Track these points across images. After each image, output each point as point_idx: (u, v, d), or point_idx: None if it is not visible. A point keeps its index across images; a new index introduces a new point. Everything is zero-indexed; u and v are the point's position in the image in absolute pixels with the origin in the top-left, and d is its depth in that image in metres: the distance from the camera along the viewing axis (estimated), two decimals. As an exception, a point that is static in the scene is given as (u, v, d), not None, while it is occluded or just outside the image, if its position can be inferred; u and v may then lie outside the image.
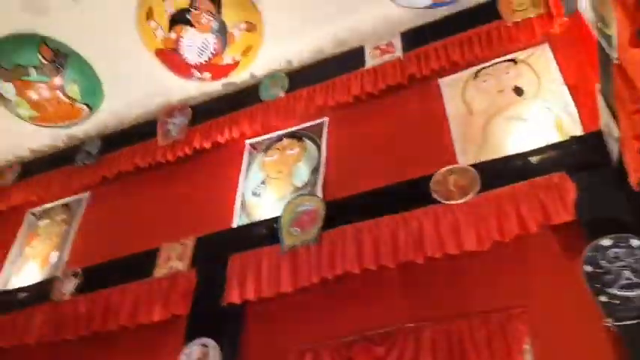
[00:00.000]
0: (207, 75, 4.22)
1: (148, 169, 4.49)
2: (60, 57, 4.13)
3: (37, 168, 5.01)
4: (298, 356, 2.98)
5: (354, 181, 3.48)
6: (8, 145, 5.04)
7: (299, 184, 3.85)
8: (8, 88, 4.25)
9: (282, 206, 3.50)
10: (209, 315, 3.27)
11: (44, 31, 4.13)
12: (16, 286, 4.29)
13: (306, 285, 3.08)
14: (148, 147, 4.51)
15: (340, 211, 3.26)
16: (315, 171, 3.82)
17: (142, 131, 4.69)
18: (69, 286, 3.95)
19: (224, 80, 4.42)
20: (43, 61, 4.14)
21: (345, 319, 3.06)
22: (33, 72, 4.16)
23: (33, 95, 4.29)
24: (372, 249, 2.94)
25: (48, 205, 4.88)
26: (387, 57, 3.89)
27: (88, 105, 4.52)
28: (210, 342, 3.09)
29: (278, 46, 4.21)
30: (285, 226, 3.36)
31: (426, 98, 3.70)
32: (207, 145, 4.32)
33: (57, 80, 4.26)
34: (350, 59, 4.09)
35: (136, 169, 4.51)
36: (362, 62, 4.00)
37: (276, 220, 3.47)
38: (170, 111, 4.62)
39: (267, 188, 3.96)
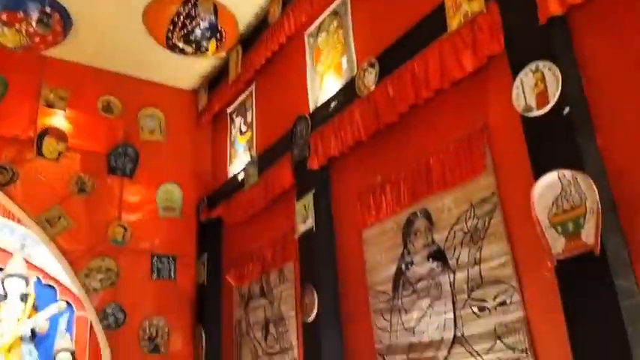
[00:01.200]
0: None
1: None
2: None
3: (293, -10, 5.03)
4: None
5: None
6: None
7: None
8: None
9: None
10: (531, 36, 2.84)
11: None
12: (326, 99, 4.55)
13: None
14: None
15: None
16: None
17: None
18: (370, 78, 3.97)
19: None
20: None
21: None
22: None
23: None
24: None
25: (318, 20, 4.92)
26: None
27: None
28: (545, 64, 2.69)
29: None
30: None
31: None
32: None
33: None
34: None
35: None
36: None
37: None
38: None
39: None
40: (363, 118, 3.93)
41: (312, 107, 4.74)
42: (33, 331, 6.88)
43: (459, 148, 3.28)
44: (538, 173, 2.66)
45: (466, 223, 3.16)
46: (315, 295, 4.14)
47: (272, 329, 4.97)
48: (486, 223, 3.05)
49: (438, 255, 3.31)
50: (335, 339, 4.05)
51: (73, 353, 6.68)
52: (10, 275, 6.91)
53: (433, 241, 3.38)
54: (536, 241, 2.63)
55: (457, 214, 3.23)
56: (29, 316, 6.89)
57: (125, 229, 5.79)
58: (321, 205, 4.37)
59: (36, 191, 5.48)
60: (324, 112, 4.47)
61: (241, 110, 6.10)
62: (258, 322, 5.21)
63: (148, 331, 5.64)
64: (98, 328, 5.65)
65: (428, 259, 3.39)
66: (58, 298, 7.21)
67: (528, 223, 2.67)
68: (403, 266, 3.61)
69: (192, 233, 6.23)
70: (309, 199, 4.44)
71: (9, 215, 6.85)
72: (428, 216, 3.44)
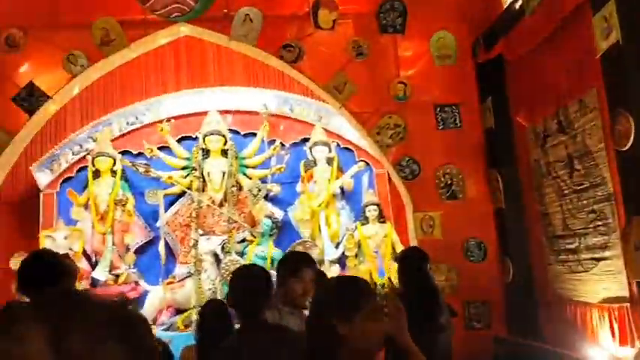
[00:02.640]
0: None
1: None
2: None
3: None
4: None
5: None
6: None
7: None
8: None
9: None
10: None
11: None
12: None
13: None
14: None
15: None
16: None
17: None
18: None
19: None
20: None
21: None
22: None
23: None
24: None
25: None
26: None
27: None
28: None
29: None
30: None
31: None
32: None
33: None
34: None
35: None
36: None
37: None
38: None
39: None
40: None
41: None
42: (342, 189, 7.79)
43: None
44: None
45: None
46: (631, 120, 3.53)
47: (577, 165, 4.52)
48: None
49: None
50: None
51: (378, 205, 7.38)
52: (316, 143, 7.82)
53: None
54: None
55: None
56: (337, 177, 7.78)
57: (405, 84, 5.84)
58: (628, 12, 3.56)
59: (320, 62, 5.87)
60: None
61: None
62: (560, 160, 4.79)
63: (442, 178, 5.80)
64: (397, 181, 6.05)
65: None
66: (356, 159, 7.93)
67: None
68: None
69: (471, 78, 5.94)
70: (610, 7, 3.66)
71: (305, 91, 7.59)
72: None
